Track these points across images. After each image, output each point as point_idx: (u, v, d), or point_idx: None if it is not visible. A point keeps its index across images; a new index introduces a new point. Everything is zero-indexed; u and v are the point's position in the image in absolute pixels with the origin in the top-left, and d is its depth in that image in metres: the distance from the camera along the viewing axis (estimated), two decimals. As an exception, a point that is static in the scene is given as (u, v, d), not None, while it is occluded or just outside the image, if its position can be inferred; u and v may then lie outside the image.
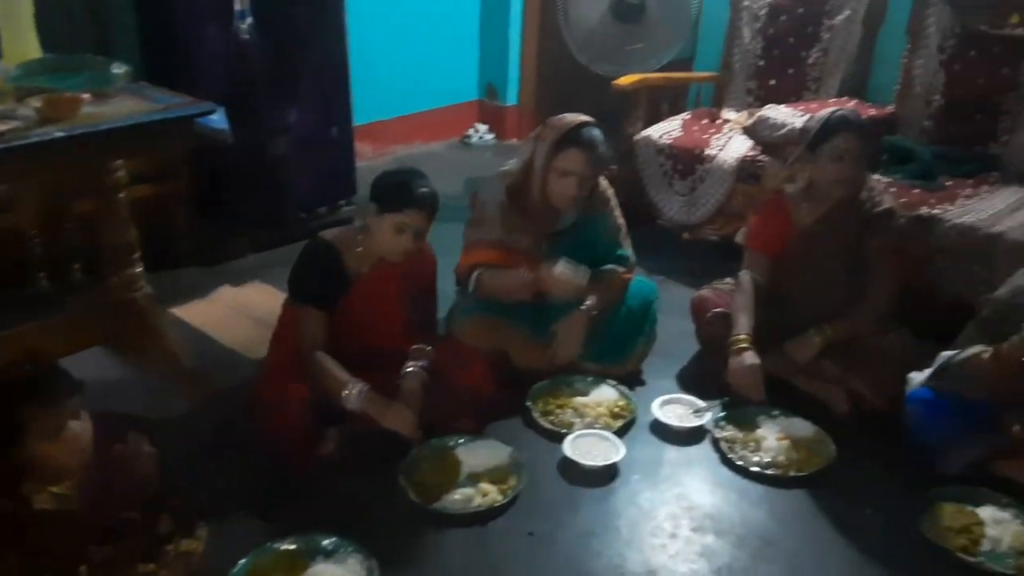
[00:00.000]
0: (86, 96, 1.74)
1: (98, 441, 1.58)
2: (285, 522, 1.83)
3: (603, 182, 2.44)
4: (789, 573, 1.82)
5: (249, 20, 2.67)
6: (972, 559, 1.85)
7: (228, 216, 3.18)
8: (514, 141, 4.75)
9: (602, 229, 2.41)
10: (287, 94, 3.16)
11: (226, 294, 2.94)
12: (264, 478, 2.00)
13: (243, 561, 1.69)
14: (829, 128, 2.27)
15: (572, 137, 2.24)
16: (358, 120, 3.62)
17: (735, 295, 2.40)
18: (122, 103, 1.82)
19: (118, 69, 1.90)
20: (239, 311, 2.82)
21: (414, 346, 2.14)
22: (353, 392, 1.94)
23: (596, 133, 2.28)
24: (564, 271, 2.22)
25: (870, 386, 2.31)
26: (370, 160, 4.05)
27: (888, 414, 2.24)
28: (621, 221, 2.48)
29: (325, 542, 1.75)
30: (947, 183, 2.85)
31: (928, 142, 3.13)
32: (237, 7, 2.64)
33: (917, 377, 2.14)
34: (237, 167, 3.09)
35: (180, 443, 2.05)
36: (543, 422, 2.26)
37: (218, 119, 1.90)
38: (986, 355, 1.95)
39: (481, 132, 4.85)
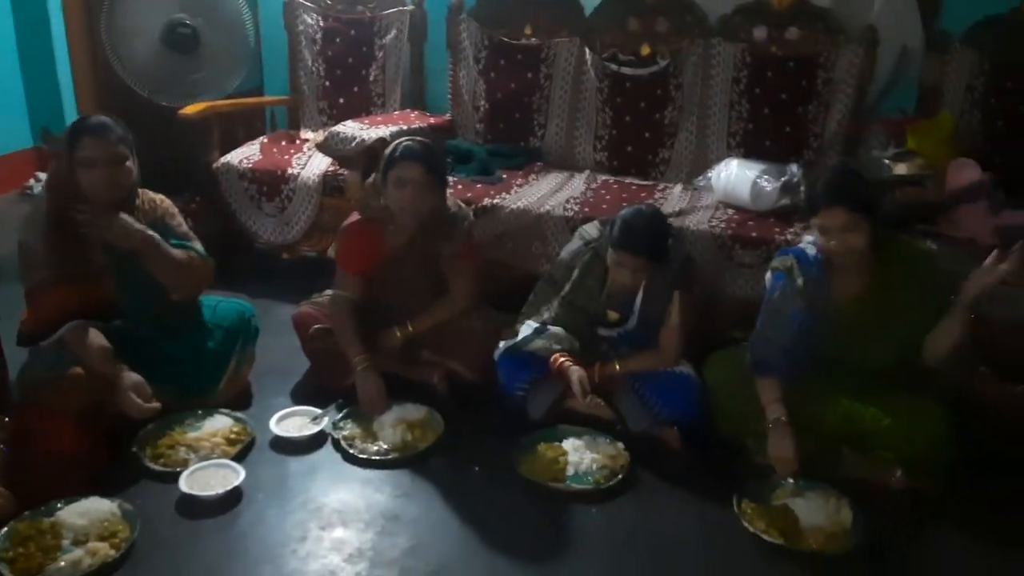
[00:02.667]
0: None
1: None
2: None
3: (150, 194, 2.40)
4: (413, 540, 1.99)
5: None
6: (560, 485, 2.19)
7: None
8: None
9: (164, 233, 2.32)
10: None
11: None
12: None
13: None
14: (393, 158, 2.41)
15: (79, 127, 2.22)
16: None
17: (335, 318, 2.52)
18: None
19: None
20: None
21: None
22: None
23: (101, 117, 2.26)
24: (136, 390, 2.18)
25: (463, 363, 2.59)
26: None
27: (483, 384, 2.53)
28: (184, 226, 2.45)
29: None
30: (503, 175, 3.27)
31: (483, 142, 3.56)
32: None
33: (503, 344, 2.46)
34: None
35: None
36: (154, 466, 2.19)
37: None
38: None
39: (43, 180, 4.41)
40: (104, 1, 3.49)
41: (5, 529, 1.85)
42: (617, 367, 2.40)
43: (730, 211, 2.93)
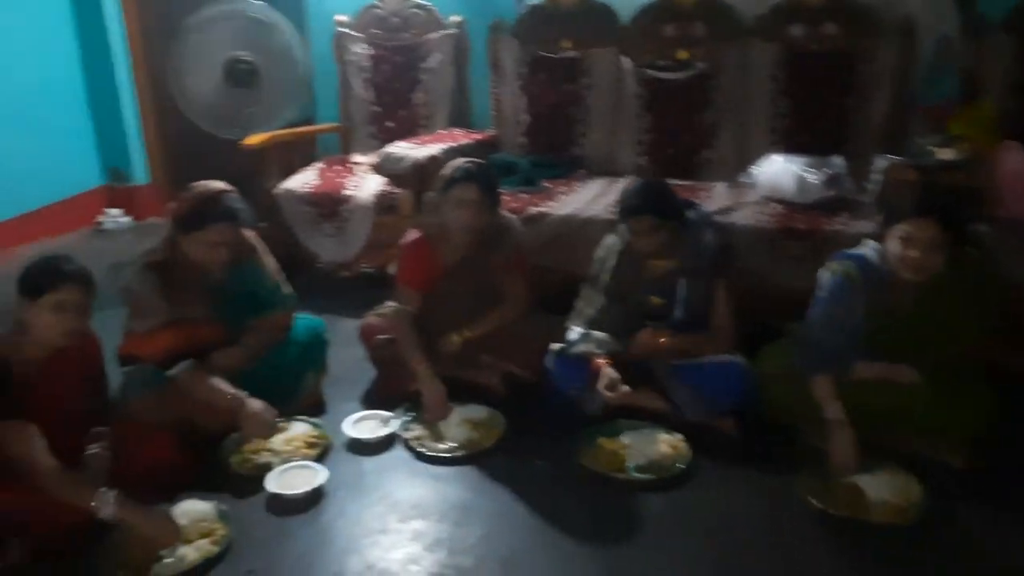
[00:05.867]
0: None
1: None
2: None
3: (245, 233, 2.54)
4: (486, 529, 2.11)
5: None
6: (622, 475, 2.29)
7: None
8: (152, 220, 4.66)
9: (255, 275, 2.53)
10: None
11: None
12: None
13: None
14: (452, 180, 2.55)
15: (210, 212, 2.32)
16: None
17: (397, 330, 2.66)
18: None
19: None
20: None
21: (91, 430, 2.11)
22: (102, 501, 1.91)
23: (231, 200, 2.38)
24: (262, 416, 2.37)
25: (519, 364, 2.71)
26: (-4, 267, 3.74)
27: (539, 383, 2.64)
28: (272, 266, 2.61)
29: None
30: (547, 185, 3.40)
31: (526, 154, 3.69)
32: None
33: (556, 347, 2.57)
34: None
35: None
36: (242, 470, 2.34)
37: None
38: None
39: (115, 217, 4.67)
40: (168, 43, 3.72)
41: (117, 531, 2.00)
42: (664, 339, 2.47)
43: (776, 205, 3.00)
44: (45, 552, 1.99)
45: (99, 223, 4.65)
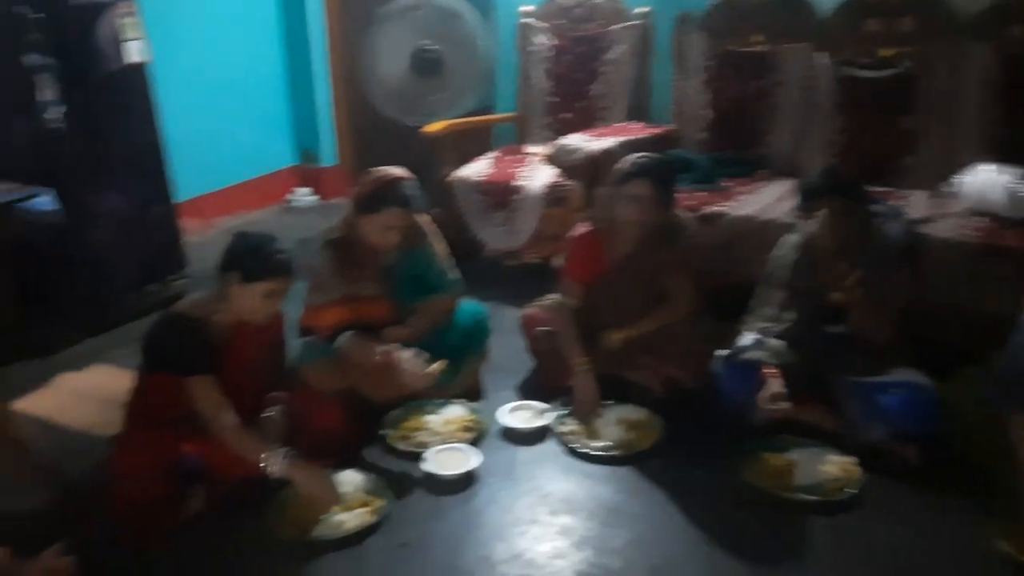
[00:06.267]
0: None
1: None
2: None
3: (419, 218, 2.60)
4: (637, 533, 2.06)
5: (57, 110, 2.70)
6: (786, 494, 2.16)
7: (55, 306, 3.14)
8: (336, 200, 4.90)
9: (425, 260, 2.59)
10: (102, 179, 3.17)
11: (67, 381, 2.90)
12: (132, 542, 2.02)
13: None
14: (626, 174, 2.51)
15: (389, 196, 2.40)
16: (180, 197, 3.67)
17: (558, 323, 2.64)
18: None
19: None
20: (83, 395, 2.79)
21: (271, 395, 2.24)
22: (273, 459, 2.02)
23: (408, 188, 2.44)
24: (413, 363, 2.37)
25: (682, 369, 2.61)
26: (197, 234, 4.07)
27: (702, 389, 2.54)
28: (442, 250, 2.66)
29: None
30: (727, 184, 3.27)
31: (705, 151, 3.57)
32: (42, 98, 2.66)
33: (725, 352, 2.47)
34: (59, 256, 3.07)
35: (39, 528, 2.04)
36: (401, 446, 2.41)
37: (45, 202, 1.95)
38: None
39: (302, 195, 4.97)
40: (362, 33, 3.89)
41: (285, 490, 2.12)
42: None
43: (981, 219, 2.73)
44: (221, 503, 2.13)
45: (288, 200, 4.96)
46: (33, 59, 2.83)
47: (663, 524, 2.10)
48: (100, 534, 2.02)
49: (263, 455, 2.03)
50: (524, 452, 2.43)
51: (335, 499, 2.10)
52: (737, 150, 3.54)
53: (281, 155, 4.98)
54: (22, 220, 1.92)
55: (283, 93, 4.89)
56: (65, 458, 2.37)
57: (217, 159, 4.40)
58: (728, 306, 2.65)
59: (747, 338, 2.43)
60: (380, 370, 2.38)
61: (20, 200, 1.92)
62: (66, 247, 3.05)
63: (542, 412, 2.56)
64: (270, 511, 2.09)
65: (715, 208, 3.03)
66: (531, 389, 2.77)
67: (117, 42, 3.13)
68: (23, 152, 2.88)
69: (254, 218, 4.65)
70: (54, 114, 2.74)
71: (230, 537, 2.06)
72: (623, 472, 2.32)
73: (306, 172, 5.04)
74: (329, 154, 5.02)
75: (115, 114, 3.19)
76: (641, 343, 2.64)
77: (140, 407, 2.15)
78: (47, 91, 2.65)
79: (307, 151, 5.00)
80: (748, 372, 2.40)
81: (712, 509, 2.15)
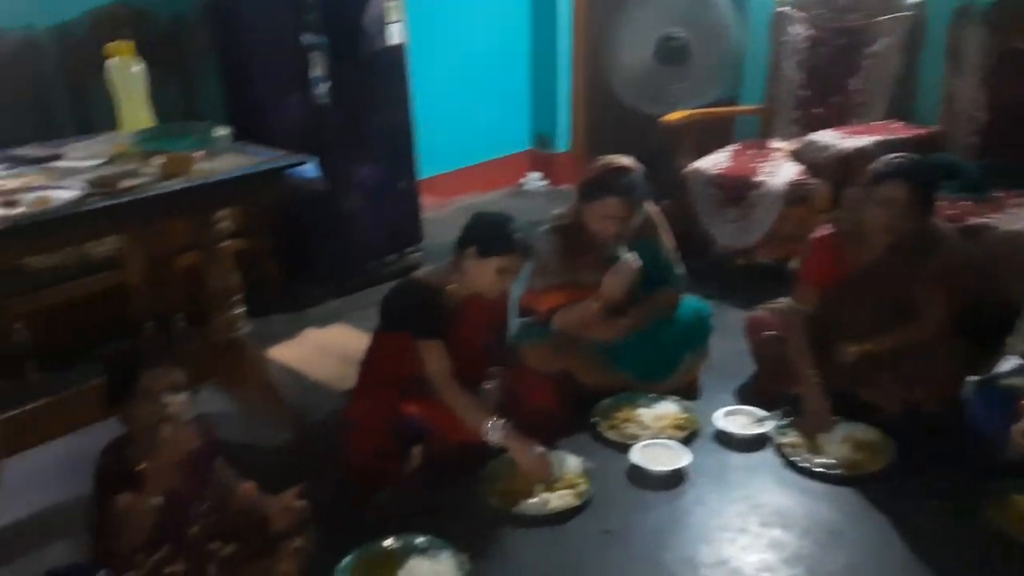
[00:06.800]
0: (198, 154, 2.01)
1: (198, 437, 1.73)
2: (381, 526, 2.01)
3: (651, 209, 2.58)
4: (855, 559, 1.92)
5: (325, 86, 2.94)
6: (1045, 547, 1.92)
7: (308, 267, 3.45)
8: (566, 187, 4.97)
9: (652, 252, 2.54)
10: (359, 152, 3.43)
11: (312, 336, 3.18)
12: (358, 490, 2.17)
13: (348, 557, 1.88)
14: (880, 175, 2.31)
15: (607, 185, 2.38)
16: (422, 174, 3.88)
17: (789, 329, 2.49)
18: (228, 159, 2.09)
19: (220, 132, 2.17)
20: (325, 350, 3.05)
21: (490, 368, 2.33)
22: (494, 427, 2.11)
23: (633, 178, 2.41)
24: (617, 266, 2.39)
25: (924, 390, 2.38)
26: (433, 211, 4.29)
27: (945, 415, 2.31)
28: (670, 243, 2.61)
29: (419, 541, 1.94)
30: (997, 195, 2.94)
31: (975, 157, 3.22)
32: (313, 75, 2.91)
33: (979, 377, 2.22)
34: (315, 222, 3.37)
35: (281, 465, 2.27)
36: (610, 435, 2.41)
37: (310, 170, 2.14)
38: None
39: (534, 180, 5.09)
40: (608, 18, 3.90)
41: (499, 460, 2.20)
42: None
43: None
44: (438, 465, 2.24)
45: (520, 184, 5.10)
46: (309, 38, 3.11)
47: (886, 555, 1.94)
48: (333, 479, 2.19)
49: (483, 423, 2.11)
50: (738, 458, 2.34)
51: (549, 474, 2.14)
52: (1013, 158, 3.15)
53: (517, 139, 5.12)
54: (291, 185, 2.10)
55: (525, 77, 5.01)
56: (306, 404, 2.59)
57: (458, 140, 4.59)
58: (985, 326, 2.39)
59: (1008, 363, 2.17)
60: (599, 304, 2.40)
61: (291, 166, 2.10)
62: (324, 213, 3.34)
63: (760, 419, 2.45)
64: (482, 478, 2.17)
65: (981, 220, 2.73)
66: (750, 395, 2.65)
67: (382, 24, 3.36)
68: (295, 123, 3.19)
69: (487, 199, 4.82)
70: (322, 89, 3.00)
71: (443, 498, 2.16)
72: (846, 493, 2.16)
73: (539, 157, 5.15)
74: (563, 140, 5.09)
75: (374, 92, 3.43)
76: (879, 359, 2.44)
77: (373, 365, 2.31)
78: (318, 68, 2.90)
79: (542, 136, 5.10)
80: (1004, 401, 2.14)
81: (944, 548, 1.95)
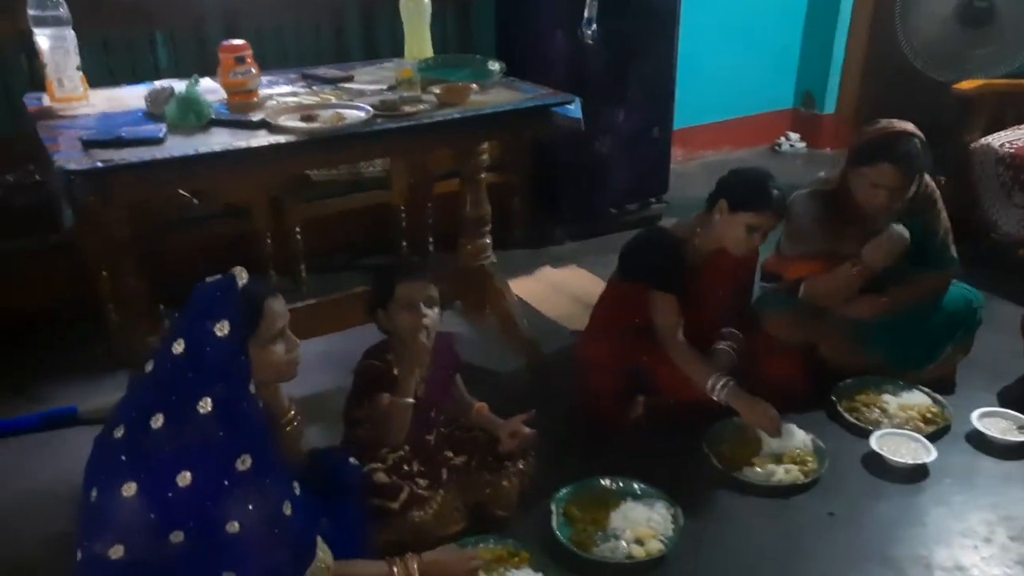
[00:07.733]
0: (473, 86, 2.10)
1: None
2: (600, 465, 2.06)
3: (929, 182, 2.36)
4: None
5: (594, 27, 2.95)
6: None
7: (553, 207, 3.53)
8: (827, 151, 4.68)
9: (925, 230, 2.32)
10: (618, 96, 3.42)
11: (548, 274, 3.28)
12: (582, 428, 2.24)
13: (566, 488, 1.95)
14: None
15: (886, 150, 2.16)
16: (676, 124, 3.80)
17: None
18: (499, 93, 2.16)
19: (494, 66, 2.25)
20: (559, 289, 3.14)
21: (724, 329, 2.27)
22: (719, 384, 2.09)
23: (913, 145, 2.17)
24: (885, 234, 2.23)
25: None
26: (680, 163, 4.20)
27: None
28: (946, 224, 2.39)
29: (636, 486, 1.97)
30: None
31: None
32: (586, 15, 2.92)
33: None
34: (566, 162, 3.43)
35: (513, 391, 2.38)
36: (849, 417, 2.29)
37: (573, 109, 2.17)
38: None
39: (792, 140, 4.82)
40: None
41: (726, 422, 2.18)
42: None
43: None
44: (660, 417, 2.26)
45: (777, 144, 4.85)
46: (586, -23, 3.10)
47: None
48: (563, 413, 2.27)
49: (708, 381, 2.08)
50: (991, 464, 2.15)
51: (777, 432, 2.08)
52: None
53: (780, 96, 4.85)
54: (555, 123, 2.15)
55: (797, 31, 4.71)
56: (539, 337, 2.68)
57: (717, 92, 4.44)
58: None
59: None
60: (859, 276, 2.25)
61: (558, 104, 2.14)
62: (576, 155, 3.39)
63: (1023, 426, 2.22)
64: (706, 438, 2.15)
65: None
66: (1014, 398, 2.40)
67: (658, -30, 3.29)
68: (560, 61, 3.23)
69: (738, 156, 4.64)
70: (592, 30, 2.99)
71: (663, 451, 2.16)
72: (1120, 524, 1.91)
73: (800, 116, 4.86)
74: (830, 101, 4.75)
75: (642, 38, 3.38)
76: None
77: (608, 310, 2.33)
78: (592, 8, 2.90)
79: (808, 94, 4.80)
80: None
81: None
